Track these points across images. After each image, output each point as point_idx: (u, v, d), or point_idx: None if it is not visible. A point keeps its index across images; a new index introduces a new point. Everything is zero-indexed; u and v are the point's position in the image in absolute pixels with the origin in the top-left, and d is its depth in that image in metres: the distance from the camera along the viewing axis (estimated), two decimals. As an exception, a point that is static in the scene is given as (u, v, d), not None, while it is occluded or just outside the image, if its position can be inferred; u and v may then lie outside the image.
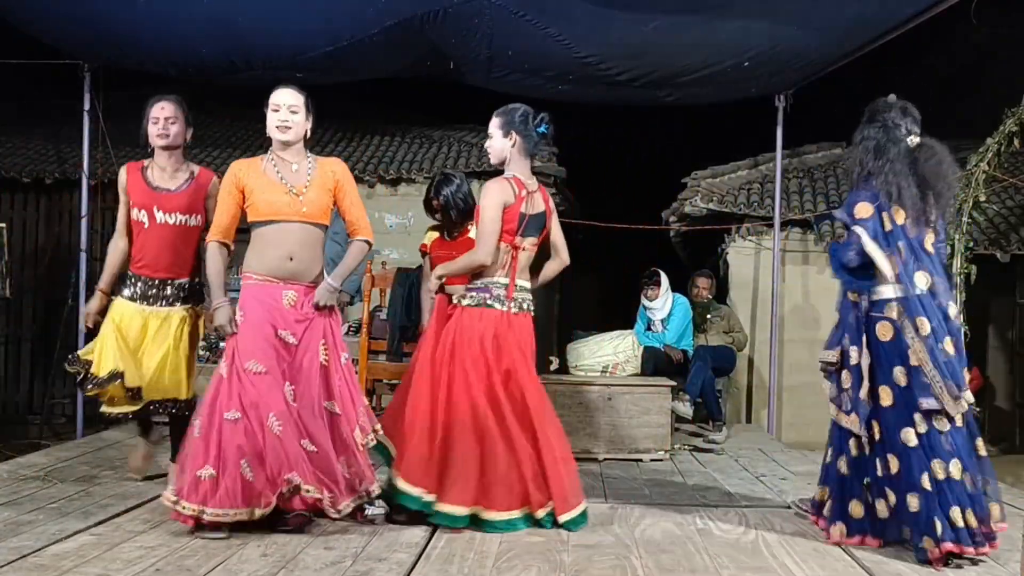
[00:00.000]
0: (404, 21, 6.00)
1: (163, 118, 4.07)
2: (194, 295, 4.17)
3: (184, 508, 3.41)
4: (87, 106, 7.01)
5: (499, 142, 3.88)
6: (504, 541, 3.53)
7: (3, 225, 7.17)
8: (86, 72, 6.92)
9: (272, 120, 3.67)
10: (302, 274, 3.66)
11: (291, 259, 3.63)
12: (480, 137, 8.61)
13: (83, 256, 7.12)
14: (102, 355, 4.00)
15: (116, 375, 3.96)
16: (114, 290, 4.21)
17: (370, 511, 3.84)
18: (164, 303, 4.09)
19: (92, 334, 4.24)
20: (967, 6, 6.22)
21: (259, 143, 8.83)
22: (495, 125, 3.90)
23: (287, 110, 3.66)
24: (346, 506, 3.65)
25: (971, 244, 6.40)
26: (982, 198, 6.34)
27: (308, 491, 3.48)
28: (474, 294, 3.79)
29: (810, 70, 6.57)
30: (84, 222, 7.15)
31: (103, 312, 4.17)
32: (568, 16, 5.89)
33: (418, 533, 3.61)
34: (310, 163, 3.74)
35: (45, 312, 8.35)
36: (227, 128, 9.30)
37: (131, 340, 4.04)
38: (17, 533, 3.46)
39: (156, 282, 4.08)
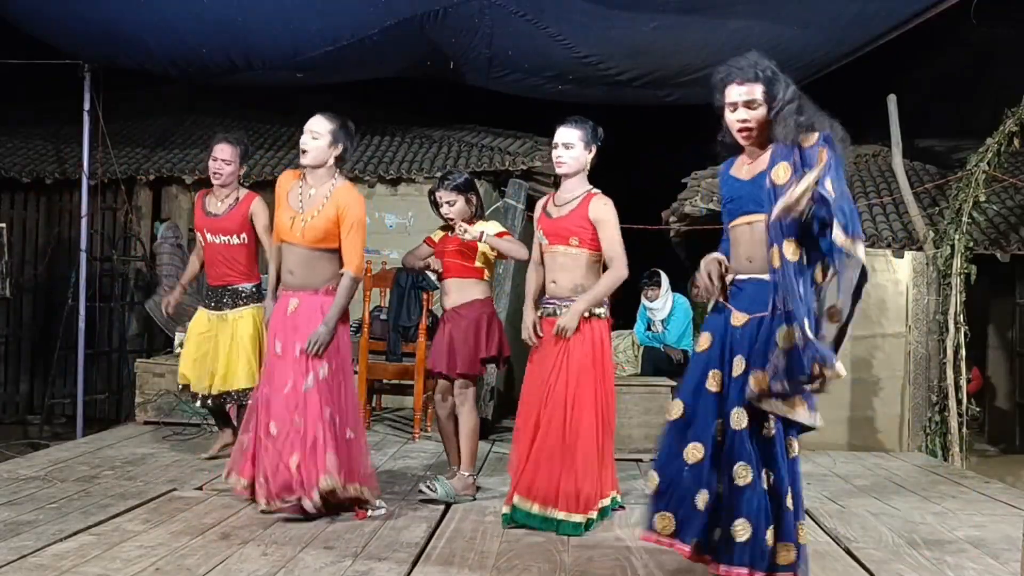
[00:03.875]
0: (404, 21, 6.01)
1: (220, 159, 4.65)
2: (252, 297, 4.72)
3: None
4: (87, 106, 7.01)
5: (582, 154, 3.81)
6: (504, 541, 3.53)
7: (3, 225, 7.17)
8: (86, 72, 6.93)
9: (300, 142, 3.88)
10: (305, 286, 3.91)
11: (291, 273, 3.94)
12: (480, 137, 8.60)
13: (83, 256, 7.12)
14: (181, 367, 4.78)
15: (185, 387, 4.79)
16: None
17: (370, 511, 3.85)
18: (224, 307, 4.69)
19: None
20: (967, 6, 6.23)
21: (259, 143, 8.82)
22: (577, 136, 3.78)
23: (308, 134, 3.84)
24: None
25: (971, 244, 6.39)
26: (982, 198, 6.34)
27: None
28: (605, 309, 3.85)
29: (810, 70, 6.57)
30: (84, 222, 7.15)
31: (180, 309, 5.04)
32: (568, 16, 5.90)
33: (418, 533, 3.61)
34: (329, 189, 3.87)
35: (45, 312, 8.34)
36: (227, 128, 9.27)
37: (200, 343, 4.69)
38: (17, 533, 3.46)
39: (216, 289, 4.72)
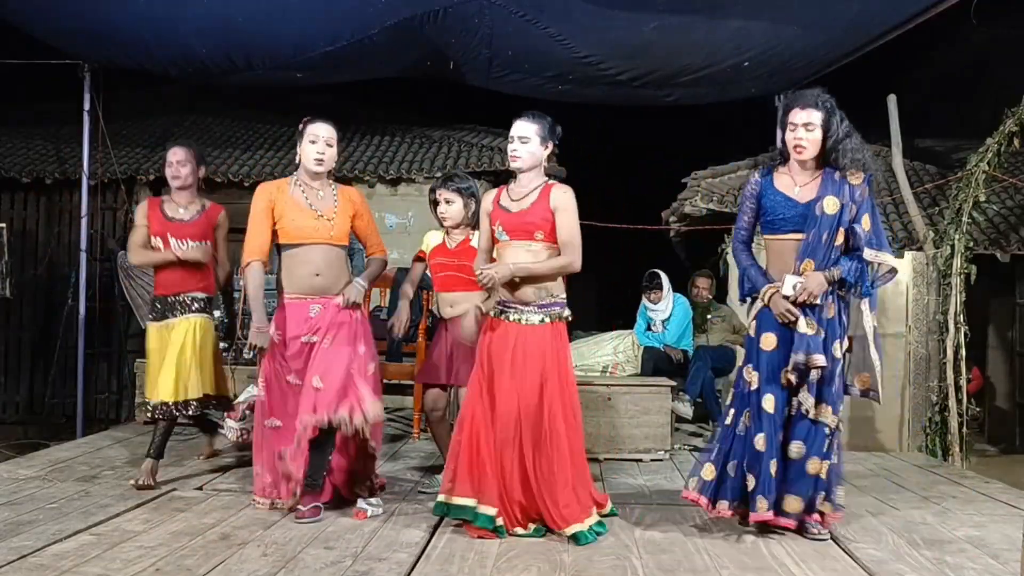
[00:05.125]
0: (404, 21, 6.01)
1: (175, 162, 4.57)
2: (207, 307, 4.61)
3: (255, 501, 4.01)
4: (87, 106, 7.01)
5: (538, 149, 3.72)
6: (504, 541, 3.53)
7: (3, 225, 7.17)
8: (86, 72, 6.93)
9: (310, 151, 3.93)
10: (328, 288, 3.94)
11: (317, 275, 3.93)
12: (480, 137, 8.60)
13: (83, 256, 7.13)
14: (148, 385, 4.56)
15: (159, 406, 4.45)
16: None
17: (370, 511, 3.85)
18: (178, 314, 4.53)
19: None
20: (967, 6, 6.22)
21: (259, 143, 8.83)
22: (533, 131, 3.70)
23: (324, 143, 3.94)
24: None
25: (971, 244, 6.39)
26: (982, 198, 6.33)
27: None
28: (562, 309, 3.75)
29: (810, 70, 6.57)
30: (84, 222, 7.15)
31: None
32: (568, 16, 5.89)
33: (418, 533, 3.61)
34: (332, 190, 4.03)
35: (45, 312, 8.34)
36: (227, 128, 9.29)
37: (159, 356, 4.50)
38: (17, 533, 3.46)
39: (170, 299, 4.55)
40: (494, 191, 3.88)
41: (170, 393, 4.37)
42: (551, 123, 3.76)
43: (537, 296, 3.67)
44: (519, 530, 3.62)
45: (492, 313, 3.75)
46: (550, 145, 3.75)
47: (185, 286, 4.52)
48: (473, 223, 4.32)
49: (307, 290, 3.91)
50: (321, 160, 3.92)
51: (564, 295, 3.76)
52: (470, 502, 3.60)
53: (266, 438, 3.96)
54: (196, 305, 4.53)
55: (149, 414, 4.44)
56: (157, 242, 4.52)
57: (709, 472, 3.73)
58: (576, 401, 3.74)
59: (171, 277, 4.53)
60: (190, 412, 4.45)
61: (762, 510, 3.57)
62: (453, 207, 4.27)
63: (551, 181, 3.75)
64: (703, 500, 3.72)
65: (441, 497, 3.71)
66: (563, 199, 3.67)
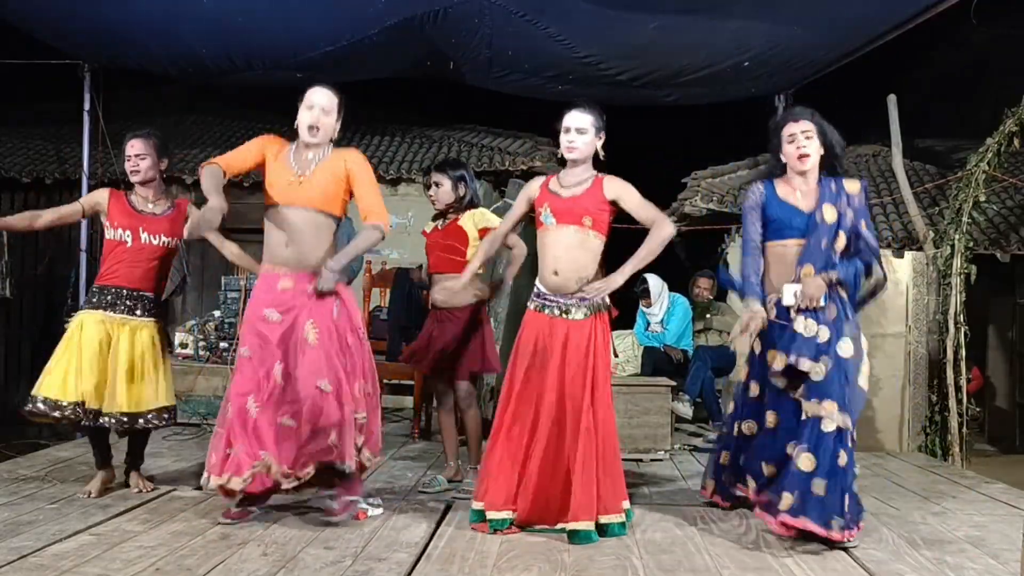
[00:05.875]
0: (404, 21, 6.01)
1: (133, 155, 4.26)
2: (160, 310, 4.25)
3: (212, 481, 3.61)
4: (87, 106, 7.01)
5: (593, 139, 3.70)
6: (504, 541, 3.53)
7: (3, 225, 7.16)
8: (86, 72, 6.93)
9: (304, 118, 3.70)
10: (299, 261, 3.65)
11: (286, 245, 3.66)
12: (480, 137, 8.60)
13: (83, 256, 7.13)
14: (55, 377, 4.19)
15: (67, 406, 4.11)
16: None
17: (371, 511, 3.85)
18: (130, 312, 4.13)
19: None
20: (967, 6, 6.22)
21: (259, 143, 8.82)
22: (589, 122, 3.67)
23: (320, 110, 3.70)
24: (307, 472, 3.63)
25: (971, 244, 6.39)
26: (982, 198, 6.33)
27: (273, 469, 3.57)
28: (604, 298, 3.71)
29: (810, 70, 6.57)
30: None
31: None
32: (568, 16, 5.90)
33: (418, 533, 3.61)
34: (325, 152, 3.75)
35: (45, 312, 8.34)
36: (227, 128, 9.29)
37: (93, 351, 4.07)
38: (17, 533, 3.46)
39: (124, 292, 4.13)
40: (541, 178, 3.84)
41: (151, 401, 4.10)
42: (601, 113, 3.74)
43: (578, 285, 3.64)
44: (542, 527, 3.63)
45: (532, 307, 3.73)
46: (602, 136, 3.74)
47: (145, 284, 4.14)
48: (464, 208, 4.36)
49: (277, 259, 3.67)
50: (314, 129, 3.66)
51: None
52: (506, 515, 3.62)
53: (230, 414, 3.61)
54: (151, 306, 4.17)
55: (91, 419, 4.06)
56: (125, 235, 4.15)
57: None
58: (611, 397, 3.71)
59: (132, 271, 4.13)
60: (166, 419, 4.18)
61: (750, 491, 3.90)
62: (441, 189, 4.35)
63: (600, 174, 3.74)
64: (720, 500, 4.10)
65: (479, 506, 3.67)
66: (620, 187, 3.71)
